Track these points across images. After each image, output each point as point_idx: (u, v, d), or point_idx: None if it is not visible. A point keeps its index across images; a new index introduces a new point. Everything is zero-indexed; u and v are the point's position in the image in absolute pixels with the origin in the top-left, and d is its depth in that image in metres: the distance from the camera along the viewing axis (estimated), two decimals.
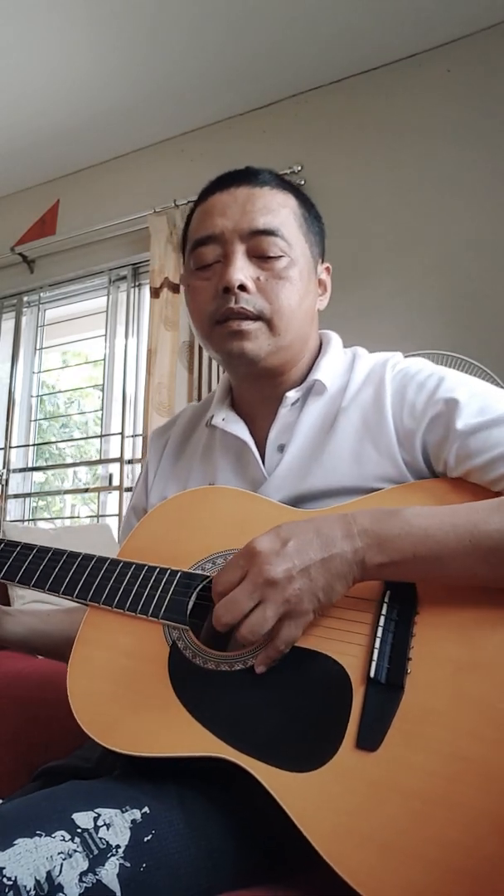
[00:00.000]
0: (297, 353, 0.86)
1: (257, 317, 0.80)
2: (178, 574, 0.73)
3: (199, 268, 0.84)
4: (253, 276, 0.80)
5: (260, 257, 0.81)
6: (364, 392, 0.82)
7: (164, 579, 0.73)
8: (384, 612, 0.65)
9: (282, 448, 0.84)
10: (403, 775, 0.56)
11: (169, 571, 0.74)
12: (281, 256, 0.81)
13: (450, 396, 0.75)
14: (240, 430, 0.87)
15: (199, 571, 0.73)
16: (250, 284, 0.80)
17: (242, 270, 0.80)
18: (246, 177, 0.85)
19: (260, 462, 0.85)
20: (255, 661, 0.65)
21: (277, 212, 0.83)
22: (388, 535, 0.64)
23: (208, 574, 0.73)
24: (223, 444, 0.90)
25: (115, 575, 0.75)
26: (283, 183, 0.87)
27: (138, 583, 0.74)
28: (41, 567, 0.79)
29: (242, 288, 0.79)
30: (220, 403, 0.92)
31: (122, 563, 0.76)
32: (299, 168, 2.61)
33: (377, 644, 0.63)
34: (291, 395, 0.85)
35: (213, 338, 0.83)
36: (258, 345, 0.81)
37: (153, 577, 0.74)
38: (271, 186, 0.84)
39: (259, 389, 0.88)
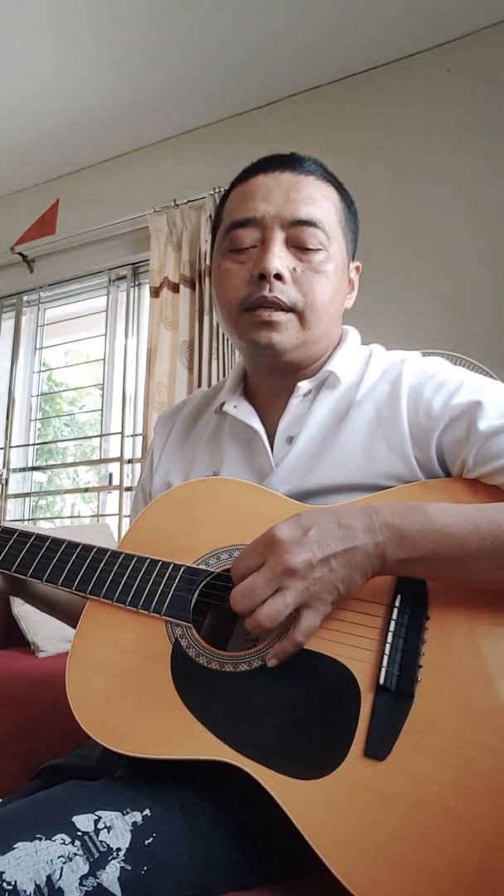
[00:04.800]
0: (321, 350, 0.85)
1: (290, 308, 0.78)
2: (182, 569, 0.71)
3: (233, 250, 0.81)
4: (290, 266, 0.79)
5: (298, 248, 0.79)
6: (379, 387, 0.81)
7: (167, 574, 0.71)
8: (395, 617, 0.64)
9: (291, 440, 0.83)
10: (412, 787, 0.55)
11: (172, 566, 0.72)
12: (319, 249, 0.79)
13: (472, 399, 0.74)
14: (251, 418, 0.86)
15: (203, 567, 0.72)
16: (286, 274, 0.78)
17: (280, 259, 0.78)
18: (291, 163, 0.83)
19: (269, 452, 0.83)
20: (266, 657, 0.63)
21: (320, 203, 0.81)
22: (410, 531, 0.63)
23: (212, 570, 0.71)
24: (232, 432, 0.89)
25: (116, 567, 0.73)
26: (328, 174, 0.85)
27: (140, 577, 0.72)
28: (38, 556, 0.76)
29: (278, 277, 0.77)
30: (231, 391, 0.91)
31: (123, 556, 0.74)
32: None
33: (387, 650, 0.61)
34: (303, 385, 0.83)
35: (240, 324, 0.81)
36: (287, 337, 0.79)
37: (155, 571, 0.72)
38: (316, 176, 0.82)
39: (276, 381, 0.86)
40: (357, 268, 0.91)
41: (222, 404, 0.90)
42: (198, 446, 0.91)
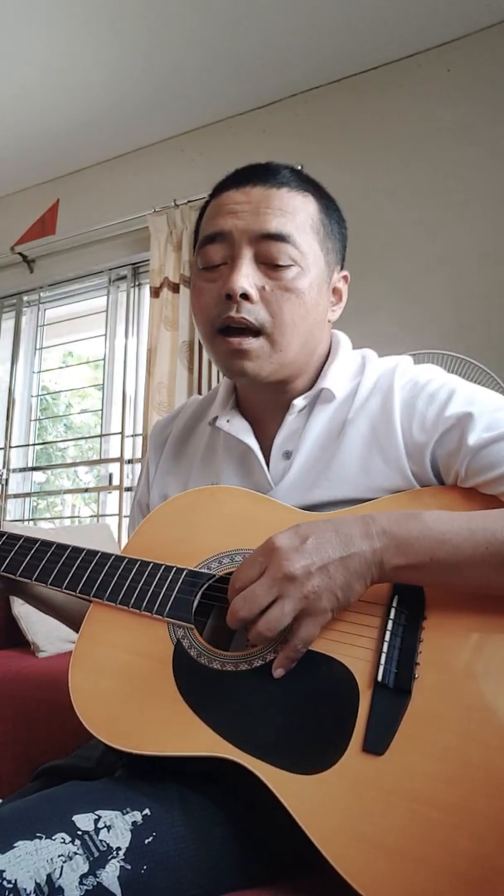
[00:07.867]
0: (302, 366, 0.83)
1: (258, 331, 0.76)
2: (184, 572, 0.73)
3: (205, 268, 0.80)
4: (258, 284, 0.76)
5: (268, 264, 0.76)
6: (372, 401, 0.80)
7: (170, 577, 0.73)
8: (392, 616, 0.65)
9: (288, 455, 0.83)
10: (410, 781, 0.56)
11: (174, 569, 0.73)
12: (290, 266, 0.76)
13: (462, 411, 0.74)
14: (245, 434, 0.85)
15: (205, 570, 0.73)
16: (254, 293, 0.76)
17: (247, 278, 0.75)
18: (264, 175, 0.80)
19: (265, 469, 0.83)
20: (273, 668, 0.63)
21: (293, 216, 0.78)
22: (407, 538, 0.64)
23: (214, 573, 0.72)
24: (226, 447, 0.88)
25: (120, 571, 0.74)
26: (305, 183, 0.82)
27: (143, 580, 0.73)
28: (44, 561, 0.78)
29: (245, 297, 0.75)
30: (223, 404, 0.90)
31: (126, 560, 0.75)
32: (299, 168, 2.60)
33: (385, 648, 0.63)
34: (299, 402, 0.82)
35: (214, 348, 0.80)
36: (259, 364, 0.77)
37: (158, 575, 0.73)
38: (290, 187, 0.79)
39: (264, 396, 0.86)
40: (344, 277, 0.87)
41: (215, 418, 0.89)
42: (193, 460, 0.91)
